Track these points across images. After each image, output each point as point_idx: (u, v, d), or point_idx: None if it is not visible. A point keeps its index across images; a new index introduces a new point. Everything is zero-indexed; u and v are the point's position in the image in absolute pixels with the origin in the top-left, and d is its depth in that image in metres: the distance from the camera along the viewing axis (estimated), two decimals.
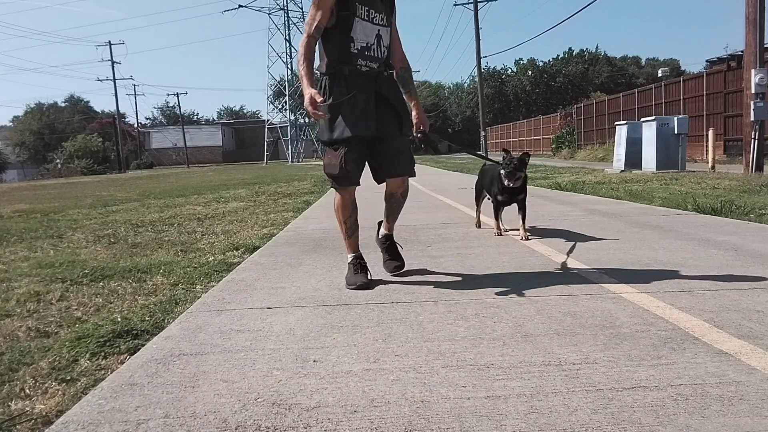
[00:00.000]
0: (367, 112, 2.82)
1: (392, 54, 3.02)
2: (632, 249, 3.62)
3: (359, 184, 2.93)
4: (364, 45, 2.83)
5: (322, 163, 2.97)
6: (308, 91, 2.60)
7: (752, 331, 2.01)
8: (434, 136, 3.28)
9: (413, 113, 3.14)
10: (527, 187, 4.30)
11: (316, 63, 2.81)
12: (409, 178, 3.06)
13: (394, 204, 3.16)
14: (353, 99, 2.78)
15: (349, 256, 3.05)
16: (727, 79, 16.41)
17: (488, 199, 4.62)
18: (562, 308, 2.38)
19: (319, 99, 2.58)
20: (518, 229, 4.22)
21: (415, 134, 3.12)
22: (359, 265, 3.00)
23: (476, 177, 5.10)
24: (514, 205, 4.33)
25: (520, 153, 4.23)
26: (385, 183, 3.08)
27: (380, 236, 3.29)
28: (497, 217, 4.43)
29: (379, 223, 3.32)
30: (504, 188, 4.16)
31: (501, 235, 4.33)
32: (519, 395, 1.57)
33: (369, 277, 2.94)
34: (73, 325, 2.50)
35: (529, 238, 4.12)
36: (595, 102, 27.88)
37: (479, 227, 4.80)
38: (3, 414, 1.65)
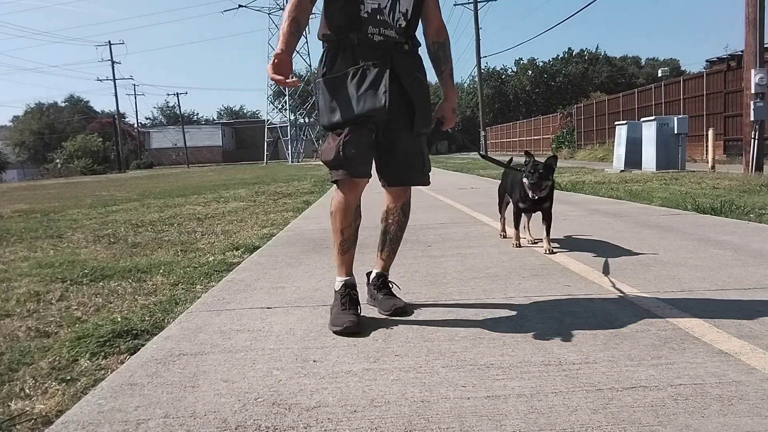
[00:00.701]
0: (378, 86, 2.14)
1: (426, 23, 2.36)
2: (632, 249, 3.62)
3: (369, 176, 2.28)
4: (375, 7, 2.19)
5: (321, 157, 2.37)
6: (276, 51, 2.01)
7: (752, 331, 2.01)
8: (460, 136, 2.67)
9: (441, 103, 2.48)
10: (554, 193, 3.82)
11: (316, 30, 2.29)
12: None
13: (391, 224, 2.46)
14: (361, 70, 2.16)
15: (338, 281, 2.35)
16: (727, 79, 16.40)
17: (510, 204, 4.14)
18: (562, 308, 2.38)
19: (280, 55, 1.98)
20: (539, 240, 3.85)
21: (434, 129, 2.49)
22: (348, 297, 2.30)
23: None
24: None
25: (547, 157, 3.66)
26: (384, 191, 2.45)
27: (371, 279, 2.55)
28: (517, 225, 3.89)
29: (368, 274, 2.60)
30: (527, 196, 3.67)
31: (520, 246, 3.78)
32: (519, 395, 1.57)
33: (359, 314, 2.27)
34: (73, 325, 2.50)
35: (554, 251, 3.61)
36: (595, 102, 27.87)
37: (505, 237, 4.24)
38: (3, 414, 1.65)
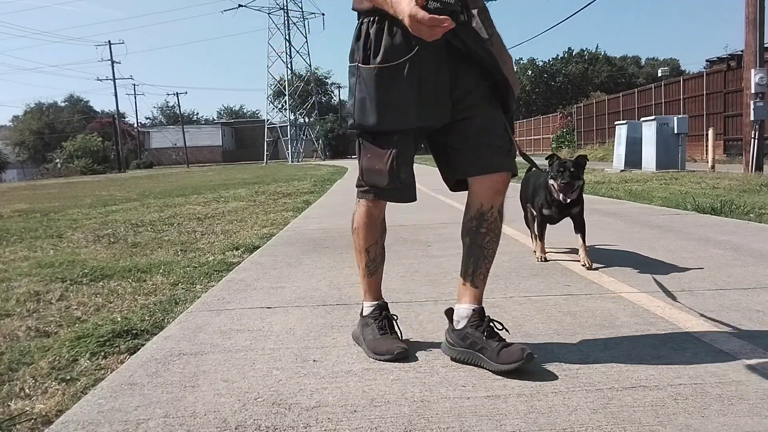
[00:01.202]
0: (440, 86, 1.75)
1: None
2: (632, 249, 3.62)
3: (416, 200, 1.90)
4: None
5: (358, 163, 1.89)
6: (407, 7, 1.50)
7: (752, 331, 2.01)
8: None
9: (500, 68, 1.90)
10: (583, 196, 3.28)
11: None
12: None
13: (485, 234, 1.83)
14: (416, 60, 1.71)
15: (367, 306, 2.01)
16: (727, 78, 16.41)
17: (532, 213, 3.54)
18: (562, 308, 2.38)
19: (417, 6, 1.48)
20: (561, 251, 3.43)
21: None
22: (387, 319, 1.96)
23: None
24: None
25: (576, 156, 3.19)
26: (468, 189, 1.87)
27: (462, 318, 1.83)
28: (540, 236, 3.36)
29: (449, 313, 1.89)
30: (553, 201, 3.19)
31: (545, 260, 3.30)
32: (519, 395, 1.57)
33: (403, 340, 1.95)
34: (73, 325, 2.50)
35: (594, 267, 3.08)
36: (595, 102, 27.89)
37: (544, 260, 3.34)
38: (3, 414, 1.65)
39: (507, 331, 1.81)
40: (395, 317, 2.03)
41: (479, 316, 1.79)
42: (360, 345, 1.98)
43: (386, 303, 2.06)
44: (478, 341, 1.75)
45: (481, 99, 1.79)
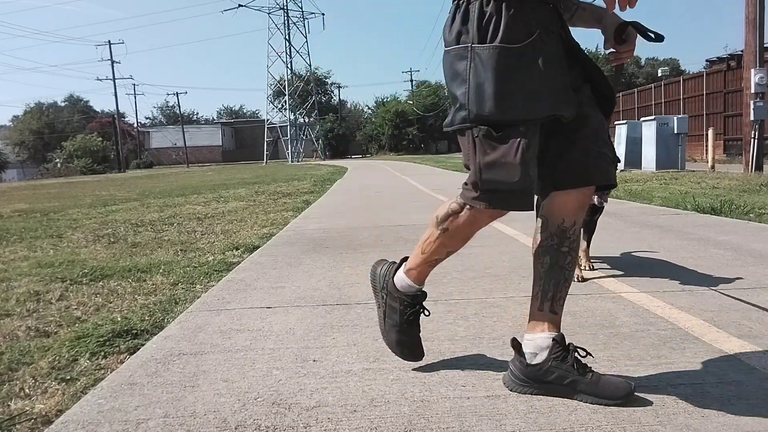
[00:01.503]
0: (563, 74, 1.52)
1: None
2: (632, 249, 3.62)
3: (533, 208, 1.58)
4: None
5: (472, 162, 1.52)
6: None
7: (752, 331, 2.01)
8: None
9: (609, 15, 1.67)
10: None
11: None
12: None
13: (566, 253, 1.61)
14: (539, 43, 1.47)
15: (406, 284, 1.76)
16: (727, 78, 16.42)
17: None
18: None
19: None
20: (589, 263, 3.05)
21: (610, 46, 1.65)
22: (415, 315, 1.77)
23: None
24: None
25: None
26: (545, 202, 1.62)
27: (541, 352, 1.58)
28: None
29: (516, 345, 1.64)
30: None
31: (582, 279, 2.83)
32: (518, 394, 1.57)
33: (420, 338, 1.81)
34: (72, 325, 2.50)
35: (595, 268, 3.03)
36: None
37: (581, 279, 2.83)
38: (3, 414, 1.65)
39: (591, 356, 1.59)
40: (426, 313, 1.80)
41: (562, 346, 1.55)
42: (374, 288, 1.83)
43: (425, 293, 1.79)
44: (567, 375, 1.53)
45: (589, 98, 1.58)
